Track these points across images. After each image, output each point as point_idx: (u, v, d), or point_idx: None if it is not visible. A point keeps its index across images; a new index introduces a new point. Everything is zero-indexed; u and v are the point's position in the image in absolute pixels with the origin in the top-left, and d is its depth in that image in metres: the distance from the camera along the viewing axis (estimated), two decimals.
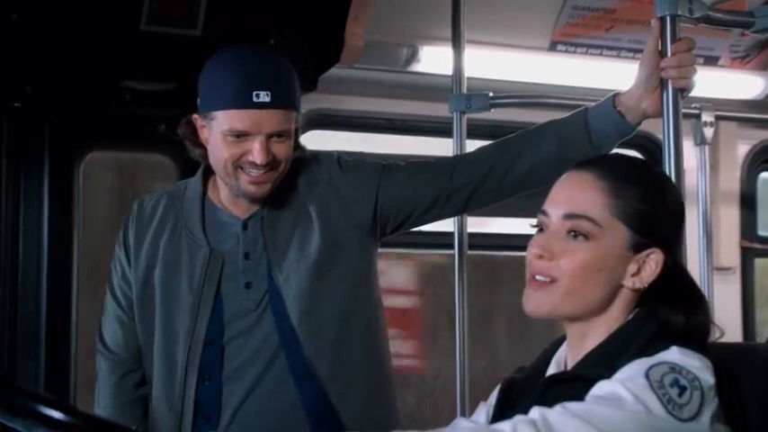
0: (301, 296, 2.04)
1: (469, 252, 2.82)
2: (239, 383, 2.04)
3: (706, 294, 3.39)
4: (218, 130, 2.01)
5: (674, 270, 1.50)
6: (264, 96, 1.96)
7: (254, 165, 1.99)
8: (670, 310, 1.45)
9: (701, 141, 3.40)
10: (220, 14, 2.85)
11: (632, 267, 1.46)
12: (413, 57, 3.21)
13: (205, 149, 2.09)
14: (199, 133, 2.09)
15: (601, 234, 1.45)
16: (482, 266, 3.67)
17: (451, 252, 2.81)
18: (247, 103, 1.97)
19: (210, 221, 2.12)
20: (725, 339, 1.59)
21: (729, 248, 3.80)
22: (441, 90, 2.88)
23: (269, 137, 1.99)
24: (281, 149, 2.02)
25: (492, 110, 2.79)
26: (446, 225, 2.85)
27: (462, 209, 2.21)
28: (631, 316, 1.48)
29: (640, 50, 1.95)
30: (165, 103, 3.02)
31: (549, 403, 1.42)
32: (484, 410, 1.62)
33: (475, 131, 2.90)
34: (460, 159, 2.17)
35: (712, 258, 3.46)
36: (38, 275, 2.90)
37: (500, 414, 1.55)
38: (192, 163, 3.12)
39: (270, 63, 2.03)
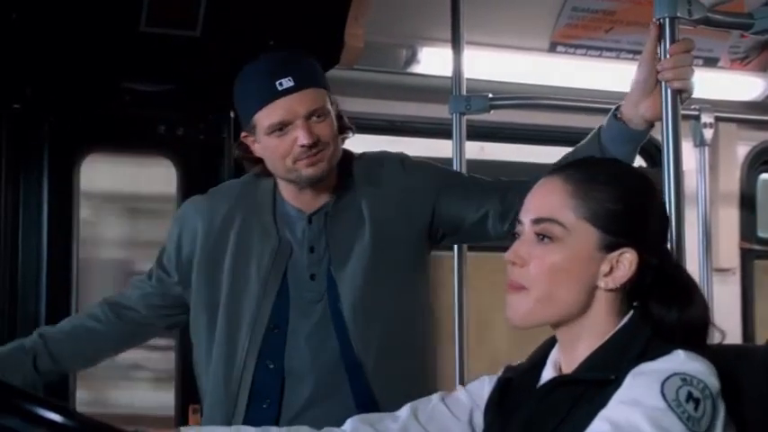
0: (353, 292, 2.09)
1: (469, 253, 2.83)
2: (300, 370, 2.09)
3: (705, 295, 3.41)
4: (262, 134, 2.07)
5: (662, 266, 1.49)
6: (288, 82, 2.02)
7: (304, 149, 2.03)
8: (662, 307, 1.45)
9: (700, 143, 3.40)
10: (220, 16, 2.85)
11: (604, 268, 1.45)
12: (412, 58, 3.22)
13: (263, 163, 2.14)
14: (252, 151, 2.15)
15: (568, 236, 1.45)
16: (482, 268, 3.67)
17: (450, 253, 2.81)
18: (274, 94, 2.03)
19: (280, 214, 2.17)
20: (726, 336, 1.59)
21: (729, 250, 3.80)
22: (440, 91, 2.88)
23: (307, 119, 2.03)
24: (324, 128, 2.05)
25: (491, 111, 2.79)
26: None
27: (505, 233, 2.18)
28: (626, 318, 1.48)
29: (640, 52, 1.94)
30: (164, 104, 3.03)
31: (553, 405, 1.42)
32: (466, 399, 1.62)
33: (474, 133, 2.90)
34: (512, 184, 2.20)
35: (712, 259, 3.47)
36: (37, 276, 2.90)
37: (498, 414, 1.55)
38: (192, 164, 3.15)
39: (286, 54, 2.10)
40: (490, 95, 2.78)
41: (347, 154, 2.18)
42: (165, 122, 3.07)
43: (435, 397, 1.65)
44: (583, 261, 1.45)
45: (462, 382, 2.74)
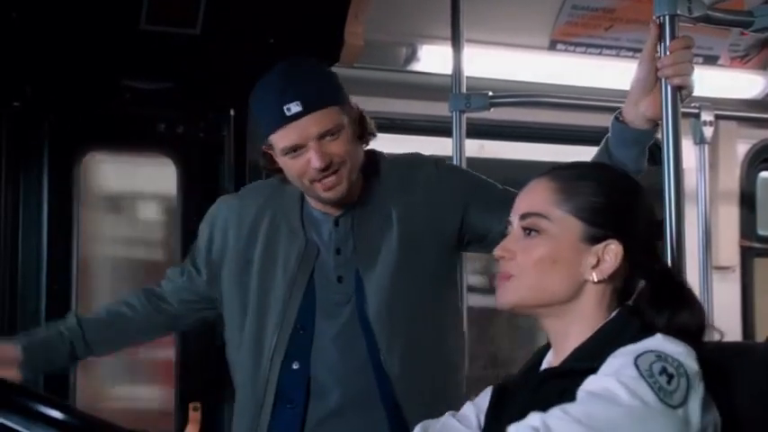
0: (379, 295, 2.10)
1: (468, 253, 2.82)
2: (326, 372, 2.10)
3: (705, 293, 3.42)
4: (278, 153, 2.08)
5: (653, 269, 1.52)
6: (296, 107, 2.01)
7: (318, 171, 2.03)
8: (652, 310, 1.46)
9: (700, 140, 3.40)
10: (220, 14, 2.85)
11: (591, 260, 1.49)
12: (412, 56, 3.22)
13: (283, 173, 2.15)
14: (275, 160, 2.15)
15: (552, 228, 1.50)
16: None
17: None
18: (282, 120, 2.02)
19: (307, 216, 2.19)
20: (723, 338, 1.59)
21: (729, 248, 3.80)
22: (440, 89, 2.88)
23: (320, 139, 2.03)
24: (337, 147, 2.05)
25: (491, 109, 2.79)
26: None
27: None
28: (614, 313, 1.50)
29: (640, 50, 1.94)
30: (164, 103, 3.03)
31: (543, 397, 1.44)
32: (472, 410, 1.64)
33: (474, 131, 2.90)
34: None
35: (712, 258, 3.47)
36: (37, 274, 2.90)
37: (494, 419, 1.56)
38: (192, 163, 3.15)
39: (295, 73, 2.10)
40: (490, 93, 2.78)
41: (374, 155, 2.21)
42: (165, 121, 3.07)
43: (446, 415, 1.67)
44: (568, 252, 1.49)
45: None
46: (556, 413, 1.32)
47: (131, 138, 3.08)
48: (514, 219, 1.55)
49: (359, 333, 2.10)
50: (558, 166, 1.59)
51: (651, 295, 1.49)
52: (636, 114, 1.90)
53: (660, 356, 1.36)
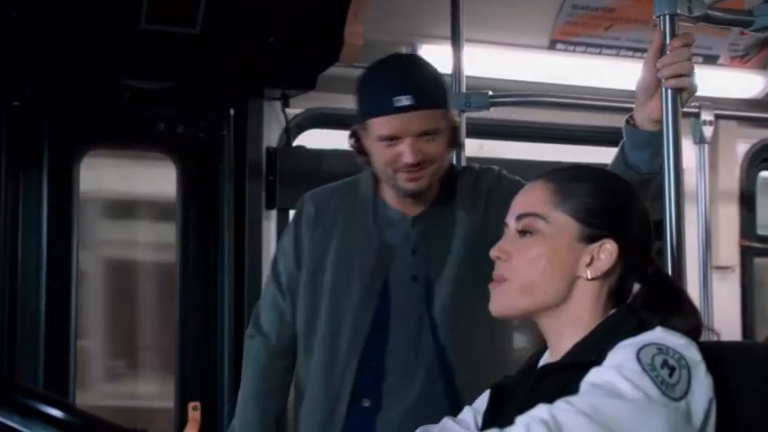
0: (446, 295, 2.15)
1: None
2: (400, 370, 2.15)
3: (705, 293, 3.42)
4: (372, 137, 2.13)
5: (647, 272, 1.52)
6: (406, 100, 2.06)
7: (406, 165, 2.09)
8: (647, 312, 1.47)
9: (700, 140, 3.40)
10: (220, 13, 2.85)
11: (585, 258, 1.50)
12: None
13: (368, 157, 2.20)
14: (363, 143, 2.20)
15: (548, 228, 1.51)
16: None
17: None
18: (390, 109, 2.07)
19: (381, 217, 2.23)
20: (723, 338, 1.59)
21: (729, 247, 3.80)
22: None
23: (417, 136, 2.08)
24: (432, 148, 2.11)
25: (491, 108, 2.79)
26: None
27: None
28: (613, 311, 1.51)
29: (640, 49, 1.95)
30: (164, 102, 3.03)
31: (543, 393, 1.44)
32: (471, 414, 1.65)
33: (474, 130, 2.90)
34: None
35: (711, 257, 3.47)
36: (37, 273, 2.90)
37: (491, 418, 1.57)
38: (192, 162, 3.15)
39: (412, 67, 2.17)
40: (490, 93, 2.78)
41: (451, 166, 2.27)
42: (165, 120, 3.07)
43: (444, 419, 1.67)
44: (563, 251, 1.50)
45: None
46: (561, 405, 1.33)
47: (131, 137, 3.08)
48: (511, 220, 1.56)
49: (428, 333, 2.15)
50: (554, 169, 1.60)
51: (645, 298, 1.50)
52: (643, 117, 1.90)
53: (661, 349, 1.37)
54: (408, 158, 2.08)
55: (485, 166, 2.32)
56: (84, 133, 2.99)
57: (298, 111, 3.23)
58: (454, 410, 2.05)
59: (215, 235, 3.11)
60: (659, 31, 1.84)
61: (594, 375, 1.37)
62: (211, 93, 3.09)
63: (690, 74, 1.83)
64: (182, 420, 2.99)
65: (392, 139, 2.09)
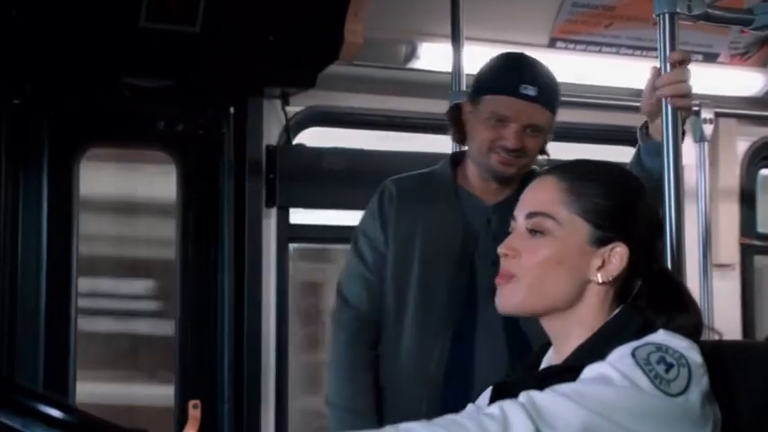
0: None
1: None
2: (490, 349, 2.22)
3: (705, 291, 3.42)
4: (482, 113, 2.24)
5: (653, 270, 1.52)
6: (531, 90, 2.20)
7: (505, 149, 2.21)
8: (651, 311, 1.46)
9: (700, 138, 3.40)
10: (219, 11, 2.85)
11: (596, 262, 1.48)
12: (412, 54, 3.21)
13: (462, 134, 2.33)
14: (463, 118, 2.31)
15: (559, 229, 1.49)
16: None
17: None
18: (514, 92, 2.20)
19: (464, 203, 2.32)
20: (724, 336, 1.59)
21: (729, 245, 3.80)
22: (440, 87, 2.88)
23: (524, 127, 2.20)
24: (532, 142, 2.23)
25: None
26: None
27: None
28: (617, 311, 1.50)
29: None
30: (164, 100, 3.03)
31: None
32: (474, 411, 1.63)
33: None
34: None
35: (712, 255, 3.47)
36: (37, 272, 2.90)
37: None
38: (192, 160, 3.15)
39: (541, 66, 2.29)
40: None
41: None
42: (165, 118, 3.07)
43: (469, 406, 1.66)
44: (574, 254, 1.48)
45: None
46: (545, 392, 1.33)
47: (131, 135, 3.08)
48: (520, 216, 1.54)
49: (511, 321, 2.16)
50: (565, 165, 1.58)
51: (649, 296, 1.49)
52: (653, 129, 1.99)
53: (660, 348, 1.36)
54: (510, 143, 2.19)
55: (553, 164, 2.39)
56: (84, 131, 2.99)
57: (298, 109, 3.23)
58: None
59: (215, 233, 3.11)
60: (656, 71, 1.87)
61: (587, 371, 1.37)
62: (211, 91, 3.09)
63: (688, 94, 1.87)
64: (182, 419, 2.99)
65: (503, 120, 2.20)
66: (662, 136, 1.86)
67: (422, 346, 2.26)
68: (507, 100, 2.21)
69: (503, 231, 2.14)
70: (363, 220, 2.41)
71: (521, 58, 2.34)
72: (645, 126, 2.03)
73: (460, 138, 2.37)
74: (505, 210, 2.14)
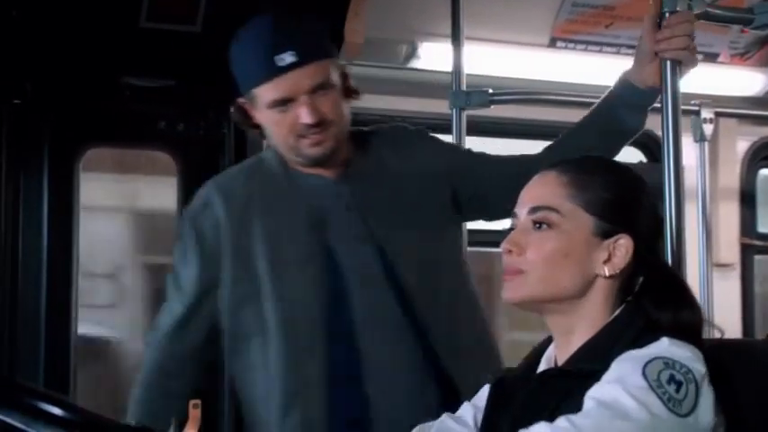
0: (400, 250, 2.02)
1: (468, 249, 2.82)
2: (374, 340, 2.00)
3: (705, 291, 3.42)
4: (262, 107, 1.98)
5: (655, 265, 1.52)
6: (289, 57, 1.91)
7: (307, 127, 1.94)
8: (655, 308, 1.46)
9: (700, 138, 3.40)
10: (220, 10, 2.85)
11: (602, 254, 1.48)
12: (412, 53, 3.21)
13: (261, 129, 2.06)
14: (252, 116, 2.05)
15: (564, 222, 1.48)
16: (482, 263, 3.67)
17: None
18: (273, 71, 1.92)
19: (300, 185, 2.07)
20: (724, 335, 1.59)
21: (729, 245, 3.80)
22: (440, 86, 2.88)
23: (311, 93, 1.94)
24: (329, 103, 1.96)
25: (492, 106, 2.79)
26: None
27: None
28: (618, 311, 1.50)
29: None
30: (164, 100, 3.03)
31: (544, 398, 1.43)
32: (470, 411, 1.63)
33: (474, 128, 2.89)
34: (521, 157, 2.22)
35: (712, 255, 3.47)
36: (38, 272, 2.90)
37: (492, 413, 1.56)
38: (192, 160, 3.15)
39: (286, 20, 1.98)
40: (490, 91, 2.78)
41: (358, 129, 2.15)
42: (166, 118, 3.07)
43: (443, 416, 1.65)
44: (579, 246, 1.48)
45: None
46: (563, 425, 1.31)
47: (132, 135, 3.08)
48: (522, 212, 1.53)
49: (390, 293, 2.01)
50: (565, 160, 1.58)
51: (654, 293, 1.48)
52: (640, 79, 1.95)
53: (668, 363, 1.35)
54: (307, 118, 1.92)
55: (402, 128, 2.23)
56: (84, 131, 2.99)
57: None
58: (431, 366, 1.99)
59: None
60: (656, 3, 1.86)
61: (599, 390, 1.35)
62: (212, 91, 3.08)
63: (688, 48, 1.85)
64: (182, 418, 2.99)
65: (285, 102, 1.93)
66: (661, 119, 1.86)
67: (288, 360, 2.00)
68: (273, 83, 1.92)
69: (359, 200, 2.03)
70: (182, 239, 2.12)
71: (260, 24, 1.99)
72: (624, 77, 1.99)
73: (261, 134, 2.09)
74: (355, 177, 2.05)
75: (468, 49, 2.80)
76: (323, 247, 2.02)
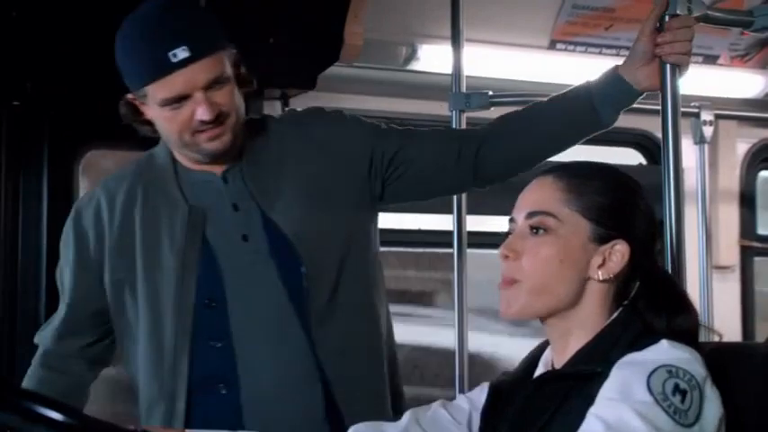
0: (303, 242, 1.95)
1: (468, 250, 2.83)
2: (254, 344, 1.94)
3: (705, 293, 3.42)
4: (153, 104, 1.90)
5: (651, 270, 1.52)
6: (182, 52, 1.81)
7: (204, 123, 1.87)
8: (651, 313, 1.46)
9: (700, 140, 3.40)
10: (219, 13, 2.83)
11: (597, 259, 1.49)
12: (412, 55, 3.21)
13: (153, 126, 1.98)
14: (142, 112, 1.98)
15: (560, 227, 1.49)
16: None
17: (450, 250, 2.81)
18: (167, 67, 1.82)
19: (186, 182, 2.00)
20: (723, 338, 1.59)
21: (729, 247, 3.80)
22: (440, 88, 2.88)
23: (206, 89, 1.86)
24: (225, 96, 1.89)
25: (491, 108, 2.78)
26: (446, 224, 2.86)
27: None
28: (615, 314, 1.50)
29: None
30: None
31: (543, 401, 1.43)
32: (466, 404, 1.63)
33: None
34: (452, 131, 2.17)
35: (711, 257, 3.47)
36: (37, 274, 2.90)
37: (490, 418, 1.56)
38: None
39: (175, 12, 1.88)
40: (490, 93, 2.78)
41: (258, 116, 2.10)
42: None
43: (436, 404, 1.66)
44: (575, 251, 1.48)
45: (462, 382, 2.75)
46: None
47: (131, 137, 3.07)
48: (519, 217, 1.54)
49: (282, 291, 1.93)
50: (561, 165, 1.58)
51: (650, 298, 1.49)
52: (635, 80, 1.93)
53: (671, 372, 1.35)
54: (204, 115, 1.84)
55: (312, 110, 2.14)
56: (84, 132, 2.98)
57: (298, 110, 3.23)
58: (322, 374, 1.93)
59: None
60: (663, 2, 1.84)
61: (605, 408, 1.34)
62: None
63: (688, 52, 1.86)
64: None
65: (179, 99, 1.85)
66: (661, 121, 1.86)
67: (156, 358, 1.95)
68: (166, 80, 1.83)
69: (243, 199, 1.95)
70: (63, 242, 2.13)
71: (149, 18, 1.87)
72: (610, 74, 1.97)
73: (152, 131, 2.01)
74: (239, 175, 1.97)
75: (468, 50, 2.79)
76: (197, 249, 1.95)
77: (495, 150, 2.08)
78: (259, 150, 2.02)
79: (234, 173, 2.00)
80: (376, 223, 2.15)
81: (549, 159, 2.10)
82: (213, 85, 1.87)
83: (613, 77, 1.96)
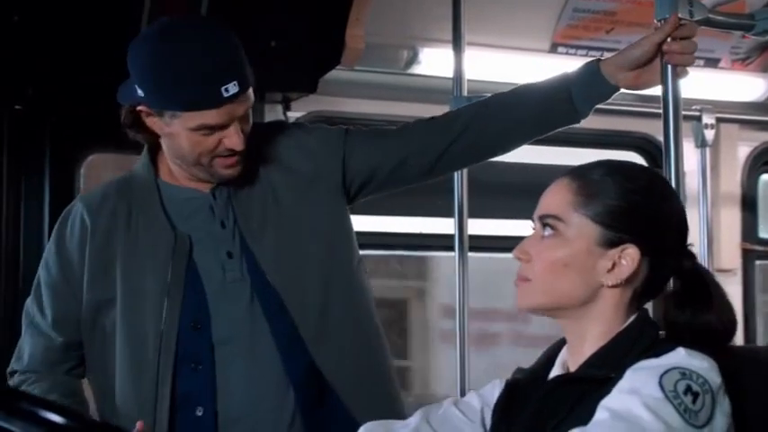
0: (280, 262, 1.97)
1: (470, 254, 2.83)
2: (230, 364, 1.94)
3: None
4: (182, 126, 1.89)
5: (678, 268, 1.51)
6: (233, 87, 1.85)
7: (231, 151, 1.91)
8: (675, 309, 1.46)
9: (701, 143, 3.40)
10: (221, 16, 2.85)
11: (606, 264, 1.47)
12: (413, 59, 3.21)
13: (153, 135, 1.98)
14: (145, 122, 1.96)
15: (567, 230, 1.48)
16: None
17: (452, 254, 2.81)
18: (219, 101, 1.85)
19: (171, 200, 2.01)
20: None
21: (730, 250, 3.80)
22: (441, 92, 2.88)
23: (240, 119, 1.92)
24: (247, 126, 1.95)
25: None
26: (447, 227, 2.86)
27: (429, 171, 2.13)
28: (633, 318, 1.49)
29: None
30: None
31: (556, 404, 1.43)
32: (477, 401, 1.62)
33: None
34: (430, 120, 2.13)
35: (713, 260, 3.46)
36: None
37: (503, 419, 1.55)
38: None
39: (223, 45, 1.90)
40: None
41: None
42: None
43: (447, 402, 1.66)
44: (581, 256, 1.47)
45: (463, 385, 2.75)
46: None
47: (133, 140, 3.07)
48: (534, 219, 1.54)
49: (259, 311, 1.94)
50: (580, 166, 1.56)
51: (675, 294, 1.49)
52: (620, 78, 1.94)
53: (685, 374, 1.34)
54: (239, 146, 1.89)
55: (280, 122, 2.18)
56: (85, 136, 2.99)
57: (299, 114, 3.23)
58: (302, 390, 1.93)
59: None
60: (673, 20, 1.84)
61: (614, 401, 1.34)
62: None
63: (692, 62, 1.87)
64: None
65: (215, 128, 1.88)
66: (662, 124, 1.86)
67: (136, 387, 1.94)
68: (216, 111, 1.86)
69: (229, 218, 1.97)
70: (45, 259, 2.08)
71: (192, 46, 1.87)
72: (593, 68, 1.98)
73: (151, 140, 2.01)
74: (225, 192, 1.98)
75: (469, 54, 2.80)
76: (182, 273, 1.96)
77: (457, 143, 2.12)
78: (248, 168, 2.03)
79: (220, 191, 2.02)
80: (348, 219, 2.14)
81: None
82: (243, 118, 1.93)
83: (594, 73, 1.97)
